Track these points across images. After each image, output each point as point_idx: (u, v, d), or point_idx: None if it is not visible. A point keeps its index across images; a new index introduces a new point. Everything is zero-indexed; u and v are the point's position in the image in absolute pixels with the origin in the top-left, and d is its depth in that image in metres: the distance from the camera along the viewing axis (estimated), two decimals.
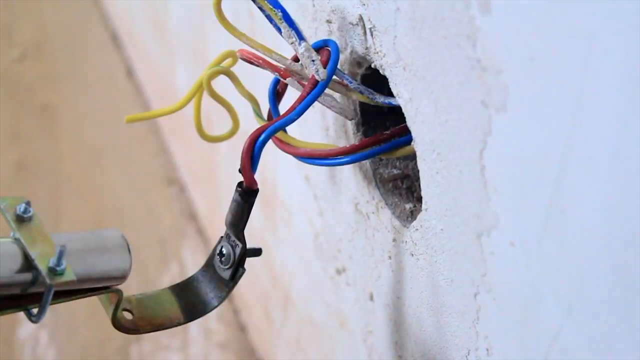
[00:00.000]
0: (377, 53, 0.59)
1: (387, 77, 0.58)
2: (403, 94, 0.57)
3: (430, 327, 0.61)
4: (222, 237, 0.63)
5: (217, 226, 1.22)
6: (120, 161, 1.47)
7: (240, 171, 0.60)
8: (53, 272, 0.56)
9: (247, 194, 0.61)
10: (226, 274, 0.63)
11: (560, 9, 0.42)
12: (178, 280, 1.26)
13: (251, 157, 0.59)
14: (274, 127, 0.59)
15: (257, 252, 0.63)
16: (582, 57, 0.41)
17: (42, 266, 0.56)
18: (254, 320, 1.15)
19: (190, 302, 0.64)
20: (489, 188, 0.50)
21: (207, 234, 1.29)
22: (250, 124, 0.66)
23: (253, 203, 0.61)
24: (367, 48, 0.60)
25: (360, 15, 0.60)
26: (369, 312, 0.72)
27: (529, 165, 0.47)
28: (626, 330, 0.43)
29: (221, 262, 0.63)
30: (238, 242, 0.62)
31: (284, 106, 0.62)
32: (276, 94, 0.64)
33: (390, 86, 0.58)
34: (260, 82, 0.66)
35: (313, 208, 0.79)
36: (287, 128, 0.63)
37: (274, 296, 1.01)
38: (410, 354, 0.66)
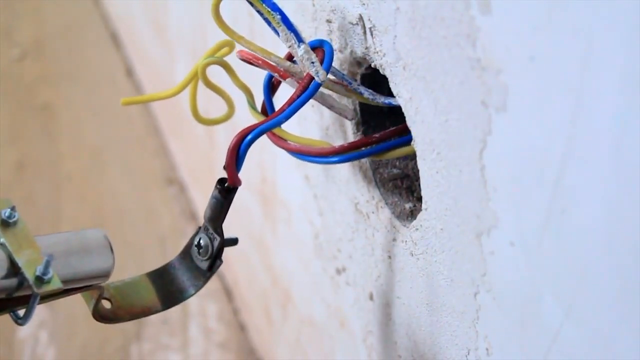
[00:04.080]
0: (377, 53, 0.59)
1: (387, 76, 0.58)
2: (403, 94, 0.57)
3: (430, 327, 0.61)
4: (199, 228, 0.64)
5: None
6: (120, 161, 1.47)
7: (224, 168, 0.60)
8: (40, 280, 0.57)
9: (226, 191, 0.62)
10: (203, 265, 0.64)
11: (560, 9, 0.42)
12: None
13: (237, 156, 0.59)
14: (261, 128, 0.60)
15: (233, 242, 0.64)
16: (582, 57, 0.41)
17: (29, 274, 0.57)
18: (254, 320, 1.15)
19: (167, 289, 0.65)
20: (489, 188, 0.50)
21: None
22: (246, 116, 0.66)
23: (232, 199, 0.62)
24: (367, 48, 0.60)
25: (360, 14, 0.60)
26: (369, 311, 0.72)
27: (529, 165, 0.47)
28: (626, 330, 0.43)
29: (199, 253, 0.64)
30: (216, 236, 0.63)
31: (279, 98, 0.63)
32: (271, 86, 0.64)
33: (390, 86, 0.58)
34: (255, 73, 0.66)
35: (313, 208, 0.79)
36: (287, 125, 0.63)
37: (274, 296, 1.01)
38: (410, 354, 0.66)
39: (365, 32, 0.60)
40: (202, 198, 1.32)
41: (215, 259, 0.64)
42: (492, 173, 0.50)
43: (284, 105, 0.59)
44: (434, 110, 0.54)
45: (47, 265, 0.57)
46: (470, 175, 0.52)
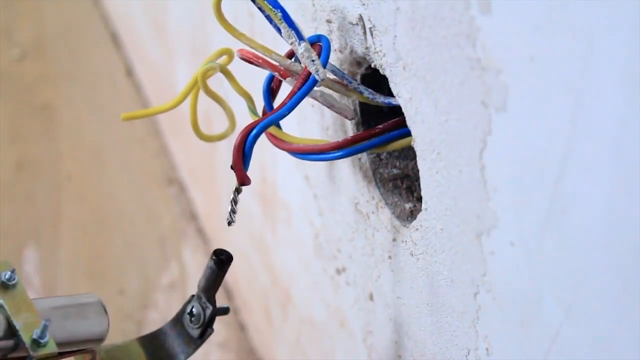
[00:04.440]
0: (377, 53, 0.59)
1: (387, 76, 0.58)
2: (403, 94, 0.57)
3: (430, 327, 0.61)
4: (193, 296, 0.66)
5: (217, 226, 1.22)
6: (120, 161, 1.47)
7: (232, 168, 0.60)
8: (36, 344, 0.59)
9: (221, 263, 0.64)
10: (195, 333, 0.67)
11: (560, 8, 0.42)
12: (177, 280, 1.26)
13: (243, 154, 0.59)
14: (265, 122, 0.59)
15: (225, 311, 0.67)
16: (582, 57, 0.41)
17: (26, 337, 0.59)
18: (254, 320, 1.15)
19: (157, 354, 0.68)
20: (489, 188, 0.50)
21: (207, 234, 1.29)
22: (246, 122, 0.66)
23: (226, 271, 0.64)
24: (367, 48, 0.60)
25: (360, 14, 0.60)
26: (369, 312, 0.72)
27: (529, 165, 0.47)
28: (626, 330, 0.43)
29: (191, 320, 0.67)
30: (209, 305, 0.66)
31: (278, 103, 0.62)
32: (271, 90, 0.64)
33: (390, 86, 0.58)
34: (256, 79, 0.66)
35: (313, 208, 0.79)
36: (287, 126, 0.63)
37: (274, 296, 1.01)
38: (410, 354, 0.66)
39: (365, 32, 0.60)
40: (202, 198, 1.32)
41: (206, 327, 0.66)
42: (492, 173, 0.50)
43: (285, 99, 0.59)
44: (434, 110, 0.54)
45: (44, 329, 0.59)
46: (470, 175, 0.52)
